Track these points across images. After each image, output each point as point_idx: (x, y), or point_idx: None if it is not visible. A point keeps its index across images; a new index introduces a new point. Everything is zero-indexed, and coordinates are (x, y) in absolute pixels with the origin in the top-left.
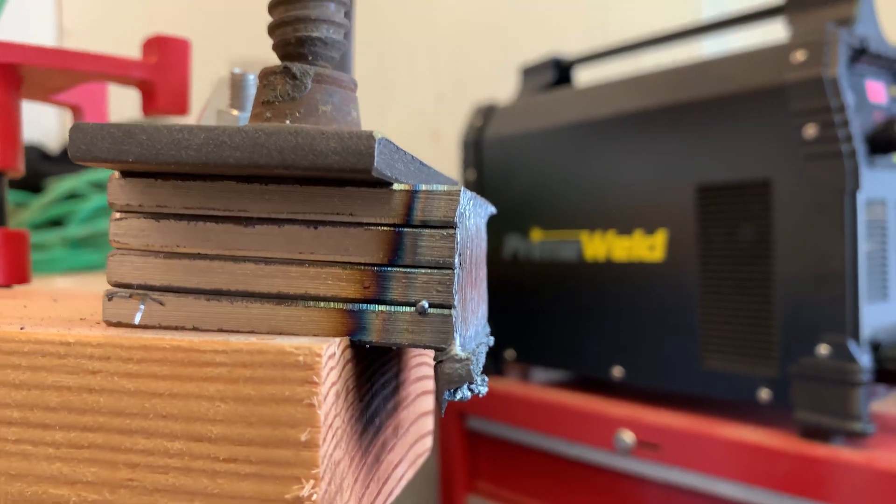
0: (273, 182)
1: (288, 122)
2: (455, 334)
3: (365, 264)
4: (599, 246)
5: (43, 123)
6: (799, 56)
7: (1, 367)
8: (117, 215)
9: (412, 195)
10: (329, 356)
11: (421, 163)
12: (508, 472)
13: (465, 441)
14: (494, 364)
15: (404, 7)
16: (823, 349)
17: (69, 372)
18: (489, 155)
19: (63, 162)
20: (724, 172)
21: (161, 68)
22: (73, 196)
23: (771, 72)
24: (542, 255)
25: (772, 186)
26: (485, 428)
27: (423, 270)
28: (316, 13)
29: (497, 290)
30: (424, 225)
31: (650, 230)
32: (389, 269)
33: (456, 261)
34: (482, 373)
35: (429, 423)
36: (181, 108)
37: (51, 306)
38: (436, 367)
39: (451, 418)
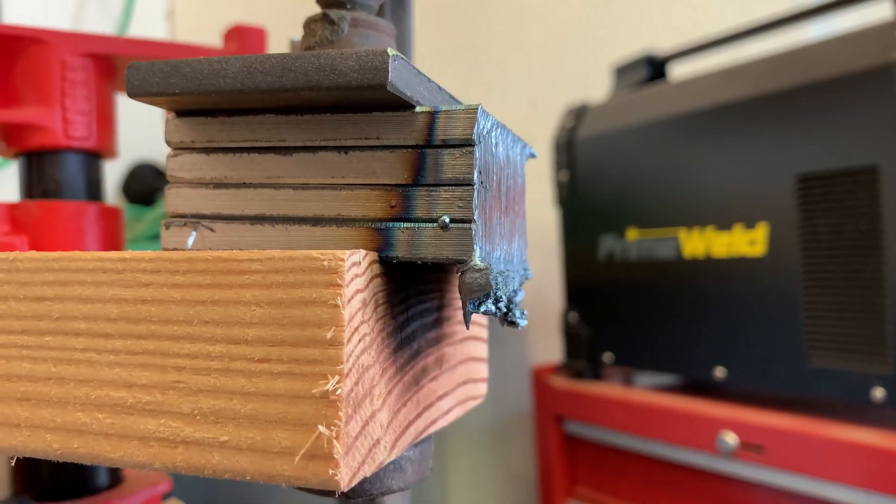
0: (307, 112)
1: None
2: (475, 247)
3: (391, 185)
4: (698, 242)
5: (156, 142)
6: None
7: (70, 283)
8: (172, 152)
9: (433, 116)
10: (353, 263)
11: (450, 96)
12: (608, 476)
13: (563, 446)
14: (593, 368)
15: (495, 15)
16: None
17: (126, 285)
18: (582, 156)
19: None
20: (827, 161)
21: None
22: None
23: (875, 52)
24: (638, 255)
25: (879, 173)
26: (583, 432)
27: (444, 188)
28: None
29: (593, 293)
30: (445, 144)
31: (750, 224)
32: (413, 188)
33: (475, 177)
34: (522, 309)
35: (481, 370)
36: None
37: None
38: (459, 280)
39: (548, 423)
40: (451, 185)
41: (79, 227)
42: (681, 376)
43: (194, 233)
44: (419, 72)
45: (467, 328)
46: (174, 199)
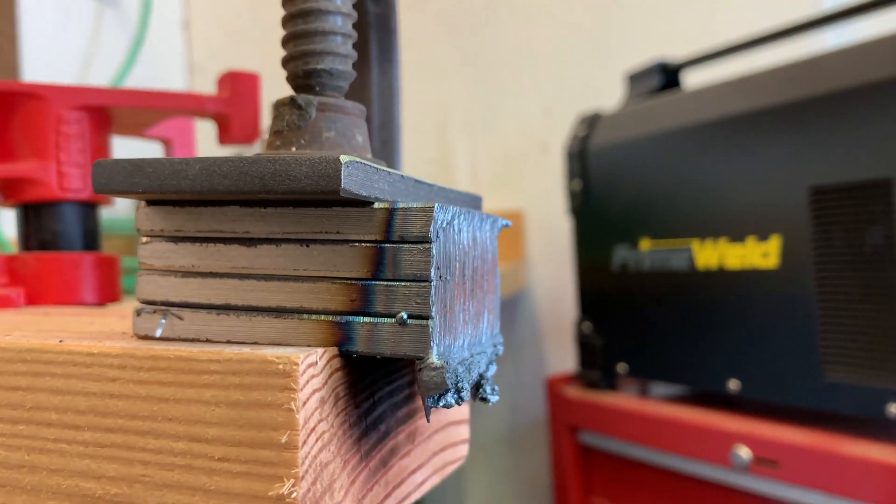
0: (271, 205)
1: (294, 149)
2: (432, 343)
3: (351, 279)
4: (711, 254)
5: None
6: None
7: (42, 375)
8: (144, 240)
9: (391, 213)
10: (308, 364)
11: (416, 181)
12: (623, 487)
13: (577, 456)
14: (607, 378)
15: (508, 21)
16: None
17: (94, 379)
18: (594, 164)
19: None
20: (840, 173)
21: (233, 102)
22: None
23: (891, 62)
24: (651, 266)
25: (893, 186)
26: (598, 443)
27: (402, 283)
28: (321, 47)
29: (607, 303)
30: (403, 240)
31: (763, 236)
32: (373, 282)
33: (432, 273)
34: (494, 384)
35: (461, 432)
36: (252, 136)
37: (114, 322)
38: (417, 377)
39: (563, 433)
40: (409, 280)
41: (75, 277)
42: (694, 388)
43: (163, 320)
44: (377, 169)
45: (427, 422)
46: (145, 286)
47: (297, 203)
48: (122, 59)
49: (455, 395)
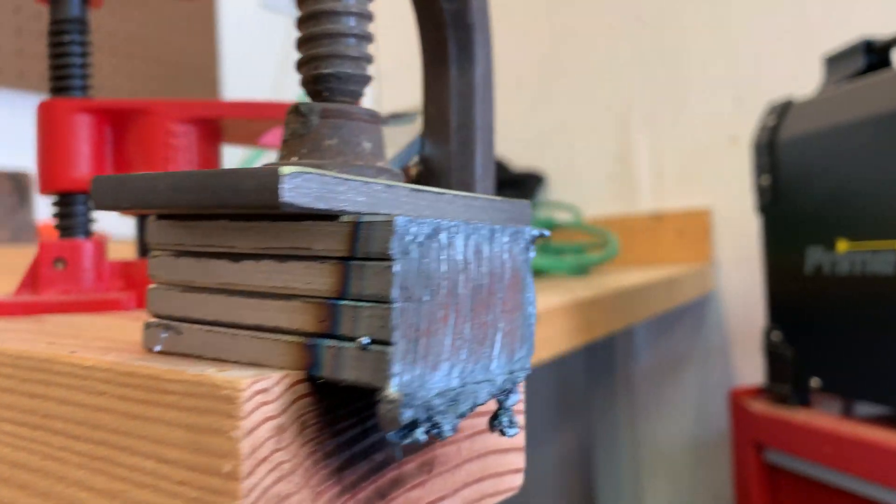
0: (254, 219)
1: (295, 158)
2: (391, 373)
3: (321, 297)
4: None
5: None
6: None
7: (52, 384)
8: (154, 253)
9: (356, 227)
10: (257, 391)
11: (413, 190)
12: None
13: (763, 475)
14: (798, 393)
15: (698, 7)
16: None
17: (88, 392)
18: (785, 157)
19: None
20: None
21: None
22: None
23: None
24: (850, 269)
25: None
26: (786, 463)
27: (367, 304)
28: (328, 50)
29: (799, 310)
30: (367, 257)
31: None
32: (340, 302)
33: (394, 294)
34: (514, 415)
35: (511, 461)
36: None
37: None
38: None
39: (746, 450)
40: (373, 301)
41: None
42: None
43: (164, 335)
44: (345, 179)
45: (398, 458)
46: (153, 300)
47: (275, 217)
48: None
49: (433, 430)
